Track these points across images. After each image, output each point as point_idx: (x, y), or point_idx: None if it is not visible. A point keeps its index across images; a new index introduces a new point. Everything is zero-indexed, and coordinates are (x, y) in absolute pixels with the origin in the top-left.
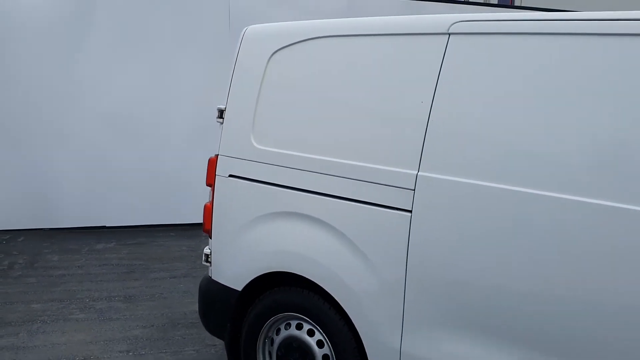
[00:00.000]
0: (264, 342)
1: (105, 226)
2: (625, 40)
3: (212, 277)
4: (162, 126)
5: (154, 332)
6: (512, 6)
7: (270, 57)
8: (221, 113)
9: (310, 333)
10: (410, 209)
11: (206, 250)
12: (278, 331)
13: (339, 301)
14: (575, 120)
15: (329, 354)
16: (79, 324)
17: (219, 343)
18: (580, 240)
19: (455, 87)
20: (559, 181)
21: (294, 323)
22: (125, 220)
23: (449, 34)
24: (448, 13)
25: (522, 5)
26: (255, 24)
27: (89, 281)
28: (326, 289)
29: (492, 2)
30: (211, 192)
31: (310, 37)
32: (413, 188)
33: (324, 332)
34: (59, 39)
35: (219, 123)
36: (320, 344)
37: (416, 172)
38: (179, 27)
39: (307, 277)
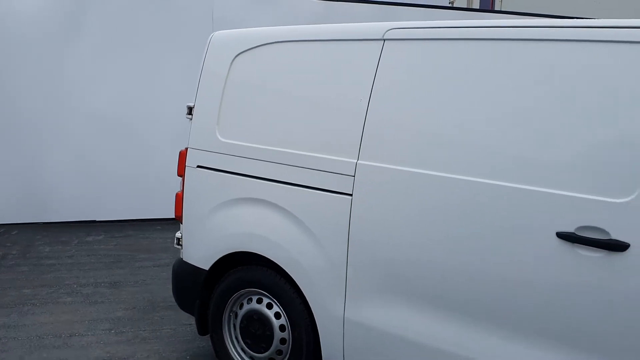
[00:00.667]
0: (229, 316)
1: (95, 220)
2: (530, 44)
3: (183, 259)
4: (149, 125)
5: (135, 313)
6: (492, 11)
7: (233, 60)
8: (190, 110)
9: (269, 306)
10: (351, 193)
11: (177, 235)
12: (241, 305)
13: (291, 276)
14: (489, 114)
15: (285, 324)
16: (67, 306)
17: (194, 323)
18: (489, 217)
19: (389, 86)
20: (472, 166)
21: (255, 298)
22: (115, 214)
23: (384, 40)
24: (422, 19)
25: (502, 10)
26: (237, 27)
27: (78, 269)
28: (281, 266)
29: (474, 7)
30: (182, 182)
31: (267, 42)
32: (353, 174)
33: (280, 304)
34: (51, 43)
35: (188, 119)
36: (277, 315)
37: (356, 160)
38: (165, 31)
39: (265, 255)
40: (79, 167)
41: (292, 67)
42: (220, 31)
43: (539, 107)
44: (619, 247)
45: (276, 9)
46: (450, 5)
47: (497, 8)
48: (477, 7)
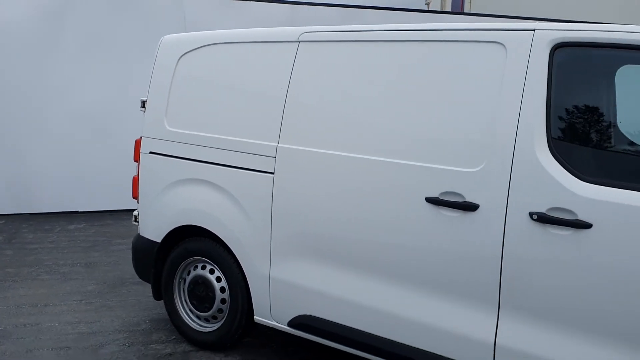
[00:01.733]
0: (179, 282)
1: (78, 211)
2: (408, 44)
3: (140, 234)
4: (126, 122)
5: (105, 288)
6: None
7: (178, 60)
8: (143, 103)
9: (211, 272)
10: (273, 172)
11: (135, 213)
12: (189, 272)
13: (227, 244)
14: (378, 103)
15: (224, 286)
16: (44, 282)
17: None
18: (376, 186)
19: (303, 80)
20: (365, 146)
21: (200, 265)
22: (96, 205)
23: (299, 42)
24: (382, 21)
25: (472, 12)
26: (208, 30)
27: (57, 252)
28: (219, 236)
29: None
30: (137, 167)
31: (207, 43)
32: (274, 156)
33: (220, 269)
34: (37, 46)
35: (142, 112)
36: (218, 279)
37: (276, 144)
38: (141, 35)
39: (206, 227)
40: (63, 162)
41: (227, 65)
42: (168, 35)
43: (416, 96)
44: (471, 207)
45: (245, 12)
46: (426, 5)
47: (466, 10)
48: (449, 9)
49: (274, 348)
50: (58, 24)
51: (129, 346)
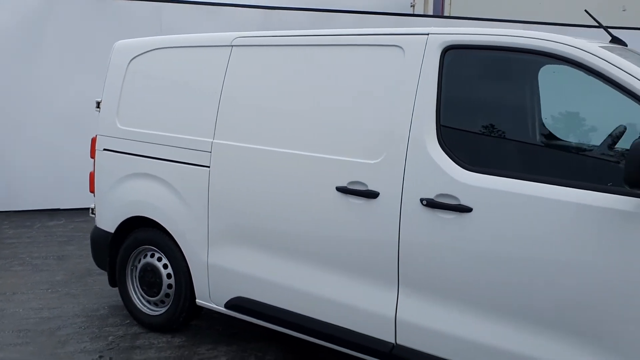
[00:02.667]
0: (131, 269)
1: (59, 208)
2: (321, 48)
3: (97, 225)
4: None
5: (72, 278)
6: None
7: (129, 63)
8: (98, 104)
9: (159, 259)
10: (208, 165)
11: (91, 206)
12: (139, 260)
13: (171, 233)
14: (297, 102)
15: (170, 272)
16: (16, 273)
17: None
18: (295, 177)
19: (235, 82)
20: (286, 141)
21: (149, 253)
22: (77, 203)
23: (232, 46)
24: (354, 25)
25: (451, 15)
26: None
27: (33, 246)
28: (164, 226)
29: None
30: (93, 163)
31: (153, 48)
32: (210, 150)
33: (167, 257)
34: (20, 51)
35: (97, 112)
36: (165, 266)
37: (212, 139)
38: (119, 39)
39: (152, 218)
40: (44, 161)
41: (170, 68)
42: (121, 40)
43: (328, 96)
44: (373, 195)
45: (219, 17)
46: (411, 7)
47: (446, 13)
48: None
49: (219, 330)
50: (39, 29)
51: (84, 329)
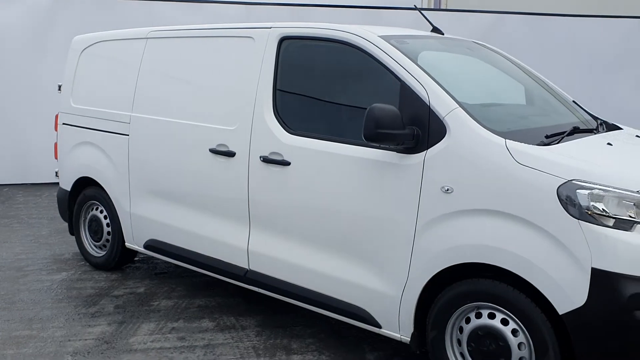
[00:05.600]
0: (83, 220)
1: None
2: (205, 39)
3: (60, 185)
4: None
5: (54, 232)
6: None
7: (81, 53)
8: (59, 87)
9: (102, 212)
10: (128, 134)
11: (56, 169)
12: (88, 212)
13: (105, 188)
14: (188, 83)
15: (109, 221)
16: (12, 228)
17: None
18: (184, 141)
19: (148, 67)
20: (179, 113)
21: (94, 207)
22: None
23: (147, 38)
24: (330, 19)
25: (448, 8)
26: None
27: (34, 210)
28: (100, 183)
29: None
30: (56, 135)
31: (98, 40)
32: (129, 122)
33: (105, 209)
34: (30, 47)
35: (59, 93)
36: (105, 217)
37: (130, 113)
38: None
39: (93, 177)
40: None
41: (106, 56)
42: (78, 35)
43: (205, 77)
44: (231, 154)
45: (203, 12)
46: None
47: (442, 6)
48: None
49: (149, 271)
50: (50, 26)
51: (46, 267)
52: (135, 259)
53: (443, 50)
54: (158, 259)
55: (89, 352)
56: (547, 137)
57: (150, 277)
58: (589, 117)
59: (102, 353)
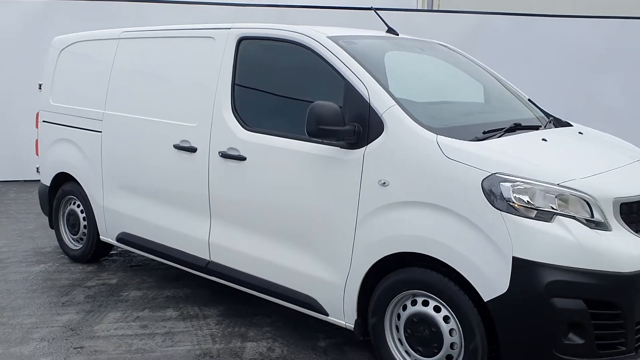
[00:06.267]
0: (62, 214)
1: None
2: (169, 40)
3: (41, 181)
4: None
5: (39, 227)
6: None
7: (59, 53)
8: (40, 86)
9: (78, 206)
10: (101, 131)
11: (37, 165)
12: (67, 207)
13: (80, 183)
14: (154, 81)
15: (85, 215)
16: (0, 223)
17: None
18: (149, 136)
19: (120, 66)
20: (145, 110)
21: (72, 201)
22: None
23: (119, 39)
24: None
25: (440, 9)
26: None
27: (24, 206)
28: (77, 179)
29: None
30: (37, 132)
31: (75, 41)
32: (102, 119)
33: (82, 203)
34: (27, 45)
35: (39, 92)
36: (82, 211)
37: (103, 111)
38: None
39: (69, 173)
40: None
41: (82, 56)
42: (59, 36)
43: (169, 75)
44: (193, 149)
45: (192, 13)
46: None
47: (435, 7)
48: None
49: (124, 264)
50: (42, 28)
51: (26, 259)
52: (113, 252)
53: (394, 50)
54: (134, 252)
55: (53, 339)
56: (484, 132)
57: (125, 270)
58: (542, 114)
59: (66, 339)
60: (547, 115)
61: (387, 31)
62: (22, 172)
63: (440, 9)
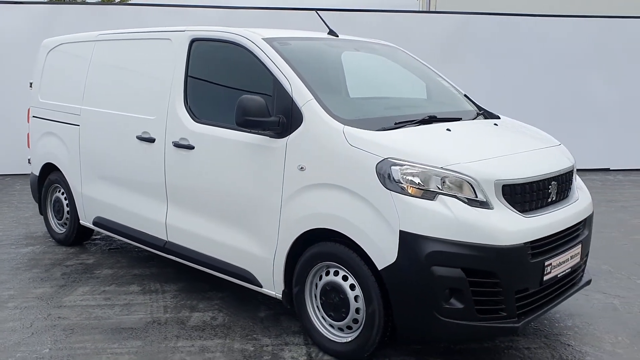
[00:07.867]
0: (49, 201)
1: None
2: (135, 41)
3: (32, 171)
4: None
5: (36, 215)
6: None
7: (47, 54)
8: (31, 84)
9: (63, 193)
10: (79, 124)
11: (28, 157)
12: (53, 194)
13: (63, 173)
14: (122, 78)
15: (68, 202)
16: (1, 211)
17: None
18: (116, 129)
19: (96, 65)
20: (113, 105)
21: (57, 190)
22: None
23: (96, 41)
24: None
25: (437, 10)
26: None
27: (25, 196)
28: (59, 168)
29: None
30: (29, 127)
31: (60, 43)
32: (79, 114)
33: (65, 191)
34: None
35: (30, 90)
36: (65, 198)
37: (81, 106)
38: None
39: (53, 163)
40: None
41: (66, 56)
42: (48, 38)
43: (135, 74)
44: (152, 140)
45: (188, 16)
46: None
47: (432, 8)
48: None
49: (104, 247)
50: (45, 31)
51: (17, 242)
52: (95, 236)
53: (328, 50)
54: (109, 235)
55: (25, 307)
56: (396, 124)
57: (102, 252)
58: (473, 108)
59: (36, 308)
60: (479, 108)
61: (328, 33)
62: (29, 166)
63: (437, 10)
